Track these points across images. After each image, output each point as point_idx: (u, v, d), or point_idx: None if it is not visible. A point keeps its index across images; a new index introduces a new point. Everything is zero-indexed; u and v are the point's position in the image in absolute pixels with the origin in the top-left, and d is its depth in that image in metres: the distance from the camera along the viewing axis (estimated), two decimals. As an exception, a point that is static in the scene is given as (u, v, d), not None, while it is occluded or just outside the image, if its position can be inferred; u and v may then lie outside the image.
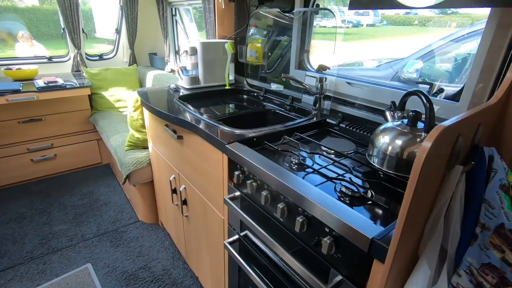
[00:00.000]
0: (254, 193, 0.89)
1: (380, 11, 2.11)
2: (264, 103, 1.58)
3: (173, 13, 2.66)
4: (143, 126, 1.81)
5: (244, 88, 1.74)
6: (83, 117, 2.62)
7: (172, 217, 1.73)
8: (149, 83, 2.70)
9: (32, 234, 1.95)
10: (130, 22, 2.72)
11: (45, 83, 2.24)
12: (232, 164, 0.97)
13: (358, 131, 1.13)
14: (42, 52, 3.44)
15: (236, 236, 1.06)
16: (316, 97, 1.31)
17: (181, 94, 1.60)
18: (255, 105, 1.62)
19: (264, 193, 0.82)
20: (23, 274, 1.66)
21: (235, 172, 0.93)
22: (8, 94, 2.07)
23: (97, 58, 2.91)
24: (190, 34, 2.80)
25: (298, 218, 0.72)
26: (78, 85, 2.37)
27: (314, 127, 1.22)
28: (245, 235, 1.05)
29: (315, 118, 1.26)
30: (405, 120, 0.86)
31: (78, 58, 2.69)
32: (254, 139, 1.02)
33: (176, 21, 2.71)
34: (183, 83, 1.70)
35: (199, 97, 1.64)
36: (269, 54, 1.71)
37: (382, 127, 0.89)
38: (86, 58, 2.79)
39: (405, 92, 0.86)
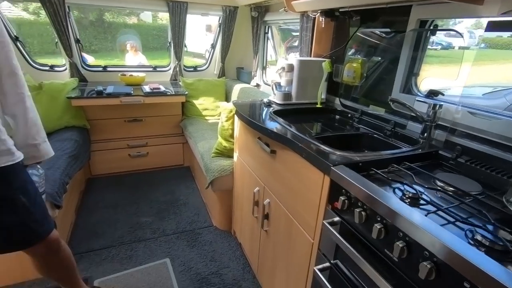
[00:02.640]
0: (362, 224, 0.82)
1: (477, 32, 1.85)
2: (358, 126, 1.50)
3: (266, 31, 2.78)
4: (231, 136, 1.89)
5: (336, 108, 1.69)
6: (174, 121, 2.88)
7: (248, 228, 1.74)
8: (235, 95, 2.84)
9: (123, 221, 2.18)
10: (226, 38, 2.94)
11: (150, 89, 2.54)
12: (335, 187, 0.92)
13: (483, 169, 0.97)
14: (144, 61, 3.98)
15: (327, 264, 0.99)
16: (426, 125, 1.18)
17: (273, 108, 1.62)
18: (347, 126, 1.55)
19: (377, 225, 0.74)
20: (114, 256, 1.85)
21: (340, 197, 0.88)
22: (122, 97, 2.41)
23: (192, 69, 3.21)
24: (278, 51, 2.88)
25: (424, 263, 0.62)
26: (175, 93, 2.63)
27: (423, 158, 1.10)
28: (336, 264, 0.97)
29: (422, 149, 1.13)
30: None
31: (177, 68, 2.99)
32: (360, 163, 0.96)
33: (268, 39, 2.82)
34: (276, 98, 1.73)
35: (291, 113, 1.64)
36: (365, 75, 1.63)
37: (532, 170, 0.74)
38: (184, 69, 3.09)
39: None
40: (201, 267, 1.79)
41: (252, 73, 2.95)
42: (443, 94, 1.27)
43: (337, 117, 1.66)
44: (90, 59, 3.65)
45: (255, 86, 2.90)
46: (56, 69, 2.71)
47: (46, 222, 1.16)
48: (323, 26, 1.77)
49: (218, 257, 1.88)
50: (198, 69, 3.24)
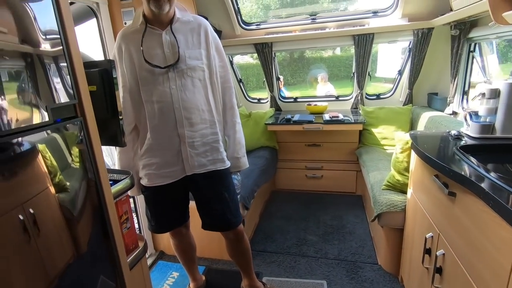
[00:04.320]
0: None
1: None
2: None
3: (471, 49, 2.33)
4: (406, 169, 1.72)
5: None
6: (350, 148, 2.93)
7: (416, 278, 1.50)
8: (422, 124, 2.53)
9: (293, 234, 2.44)
10: (416, 62, 2.70)
11: (330, 117, 2.74)
12: (536, 256, 0.67)
13: None
14: (332, 90, 4.31)
15: None
16: None
17: (464, 142, 1.35)
18: None
19: None
20: (280, 262, 2.10)
21: (541, 271, 0.64)
22: (305, 124, 2.75)
23: (374, 97, 3.16)
24: (490, 69, 2.31)
25: None
26: (353, 121, 2.69)
27: None
28: None
29: None
30: None
31: (359, 97, 3.04)
32: None
33: (473, 57, 2.34)
34: (470, 130, 1.43)
35: (491, 149, 1.30)
36: None
37: None
38: (366, 98, 3.10)
39: None
40: (357, 303, 1.71)
41: (448, 99, 2.52)
42: None
43: None
44: (286, 93, 4.42)
45: (450, 114, 2.46)
46: (262, 101, 3.49)
47: (238, 215, 1.53)
48: (559, 35, 1.30)
49: (377, 300, 1.72)
50: (382, 96, 3.14)
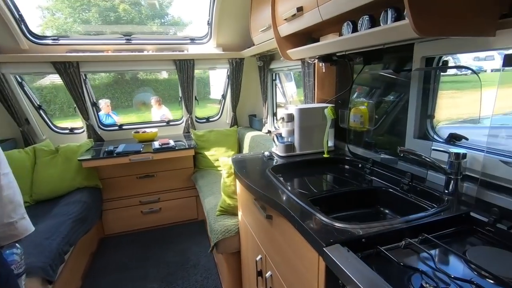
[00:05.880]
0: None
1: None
2: (371, 178, 1.30)
3: (273, 78, 2.76)
4: (235, 192, 1.76)
5: (346, 157, 1.51)
6: (186, 174, 2.82)
7: (256, 301, 1.51)
8: (247, 144, 2.75)
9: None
10: (235, 88, 2.95)
11: (159, 145, 2.54)
12: (332, 275, 0.72)
13: (534, 241, 0.73)
14: (167, 113, 4.18)
15: None
16: (449, 177, 0.97)
17: (274, 163, 1.48)
18: (359, 179, 1.35)
19: None
20: (112, 334, 1.67)
21: (336, 292, 0.68)
22: (131, 155, 2.41)
23: (204, 120, 3.22)
24: (289, 93, 2.82)
25: None
26: (185, 147, 2.60)
27: (449, 223, 0.87)
28: None
29: (447, 210, 0.90)
30: None
31: (189, 121, 3.01)
32: (363, 239, 0.76)
33: (276, 85, 2.79)
34: (278, 150, 1.60)
35: (294, 166, 1.48)
36: (376, 117, 1.46)
37: None
38: (196, 121, 3.11)
39: None
40: None
41: (263, 120, 2.88)
42: (466, 139, 1.06)
43: (347, 167, 1.47)
44: (117, 119, 3.88)
45: (266, 133, 2.81)
46: (75, 131, 2.84)
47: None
48: (323, 71, 1.67)
49: (225, 335, 1.63)
50: (211, 119, 3.24)
